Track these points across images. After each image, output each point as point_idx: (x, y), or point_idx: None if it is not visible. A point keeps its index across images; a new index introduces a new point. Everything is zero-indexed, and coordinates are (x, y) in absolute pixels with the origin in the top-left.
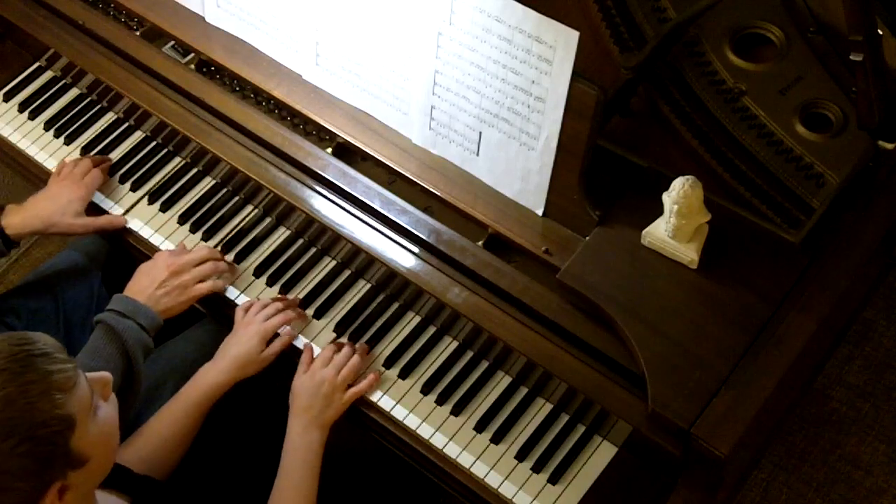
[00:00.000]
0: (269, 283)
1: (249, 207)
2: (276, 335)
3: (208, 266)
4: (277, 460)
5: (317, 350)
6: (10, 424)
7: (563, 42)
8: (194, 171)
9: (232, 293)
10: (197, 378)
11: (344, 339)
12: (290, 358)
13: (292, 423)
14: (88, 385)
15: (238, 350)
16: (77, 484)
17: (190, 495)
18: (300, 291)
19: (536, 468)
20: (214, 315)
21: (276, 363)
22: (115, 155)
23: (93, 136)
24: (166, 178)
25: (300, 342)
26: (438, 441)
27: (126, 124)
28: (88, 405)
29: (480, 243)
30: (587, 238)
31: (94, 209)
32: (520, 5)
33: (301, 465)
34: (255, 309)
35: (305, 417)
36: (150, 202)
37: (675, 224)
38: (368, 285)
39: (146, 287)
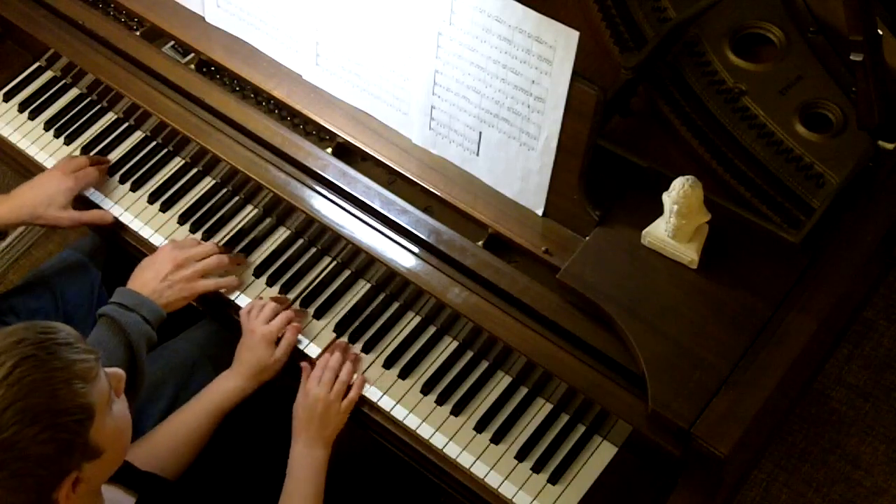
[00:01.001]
0: (269, 283)
1: (249, 207)
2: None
3: (213, 261)
4: (283, 467)
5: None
6: (34, 411)
7: (563, 42)
8: (194, 171)
9: (232, 294)
10: (216, 385)
11: (337, 341)
12: (295, 362)
13: (295, 440)
14: (107, 378)
15: (250, 357)
16: (90, 477)
17: (197, 493)
18: (300, 291)
19: (536, 468)
20: (213, 314)
21: (285, 367)
22: (115, 155)
23: (93, 136)
24: (166, 178)
25: (303, 344)
26: (438, 441)
27: (126, 124)
28: (107, 397)
29: (480, 243)
30: (587, 238)
31: (92, 208)
32: (520, 5)
33: (305, 482)
34: (255, 313)
35: (306, 436)
36: (150, 202)
37: (675, 224)
38: (368, 285)
39: (150, 280)
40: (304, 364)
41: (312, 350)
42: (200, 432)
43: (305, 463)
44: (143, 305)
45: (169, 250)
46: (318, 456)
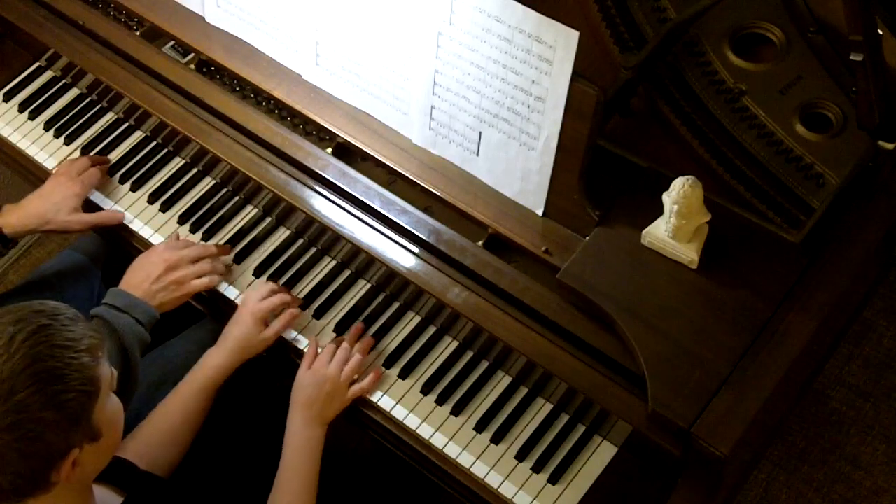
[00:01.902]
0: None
1: (249, 207)
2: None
3: (206, 264)
4: (278, 457)
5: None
6: (49, 376)
7: (563, 42)
8: (194, 171)
9: (232, 293)
10: (201, 362)
11: (346, 337)
12: (291, 358)
13: (293, 417)
14: (108, 364)
15: (237, 331)
16: (86, 462)
17: (189, 491)
18: (300, 291)
19: (536, 468)
20: (213, 314)
21: (277, 362)
22: (115, 155)
23: (93, 136)
24: (166, 178)
25: (301, 343)
26: (438, 441)
27: (126, 124)
28: (109, 381)
29: (480, 243)
30: (587, 238)
31: (94, 209)
32: (520, 5)
33: (302, 459)
34: (250, 292)
35: (307, 414)
36: (150, 202)
37: (675, 224)
38: (368, 285)
39: (142, 281)
40: (311, 340)
41: None
42: (191, 414)
43: (303, 441)
44: (136, 307)
45: (161, 251)
46: (315, 435)
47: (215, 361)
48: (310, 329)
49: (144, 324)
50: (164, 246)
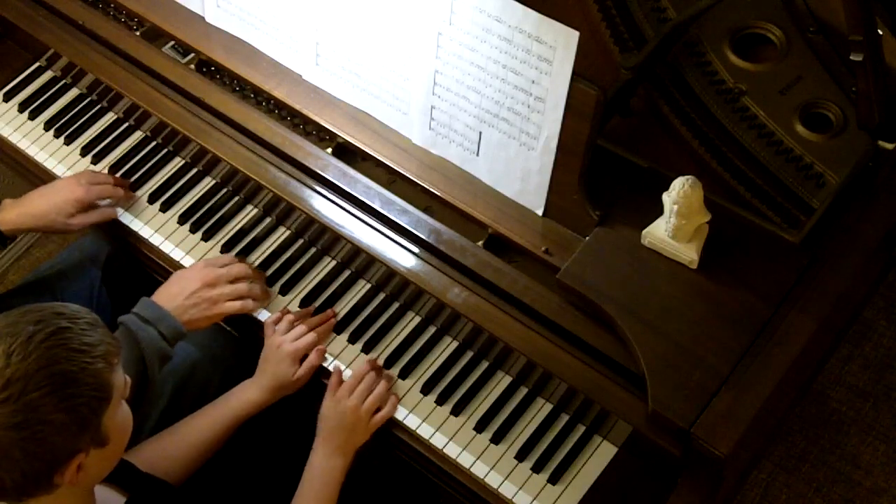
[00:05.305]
0: (269, 283)
1: (249, 207)
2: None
3: (242, 286)
4: (292, 474)
5: (346, 372)
6: (62, 378)
7: (563, 42)
8: (194, 171)
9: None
10: (236, 393)
11: (374, 356)
12: (319, 380)
13: (316, 446)
14: (123, 372)
15: (275, 371)
16: (91, 466)
17: (195, 498)
18: (300, 291)
19: (536, 468)
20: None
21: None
22: (115, 155)
23: (93, 136)
24: (166, 178)
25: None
26: (438, 441)
27: (126, 124)
28: (122, 388)
29: (480, 243)
30: (587, 238)
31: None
32: (520, 5)
33: (319, 489)
34: (283, 327)
35: (329, 444)
36: (150, 202)
37: (675, 224)
38: (368, 285)
39: (175, 295)
40: (335, 369)
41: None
42: (213, 439)
43: (323, 471)
44: (163, 320)
45: (200, 267)
46: (337, 465)
47: (250, 397)
48: None
49: (169, 339)
50: (205, 262)
